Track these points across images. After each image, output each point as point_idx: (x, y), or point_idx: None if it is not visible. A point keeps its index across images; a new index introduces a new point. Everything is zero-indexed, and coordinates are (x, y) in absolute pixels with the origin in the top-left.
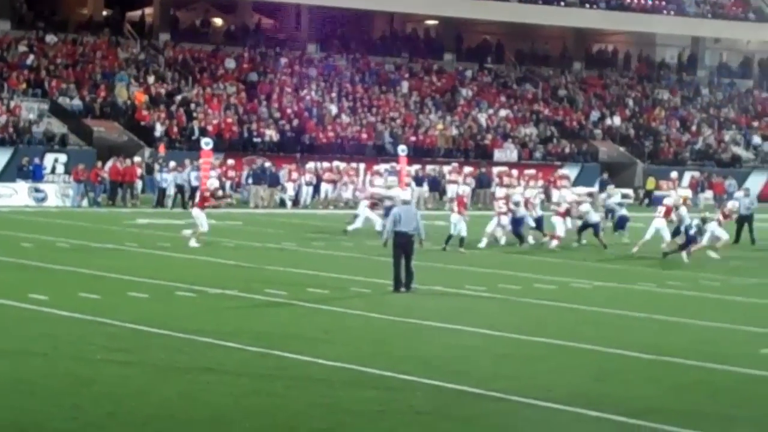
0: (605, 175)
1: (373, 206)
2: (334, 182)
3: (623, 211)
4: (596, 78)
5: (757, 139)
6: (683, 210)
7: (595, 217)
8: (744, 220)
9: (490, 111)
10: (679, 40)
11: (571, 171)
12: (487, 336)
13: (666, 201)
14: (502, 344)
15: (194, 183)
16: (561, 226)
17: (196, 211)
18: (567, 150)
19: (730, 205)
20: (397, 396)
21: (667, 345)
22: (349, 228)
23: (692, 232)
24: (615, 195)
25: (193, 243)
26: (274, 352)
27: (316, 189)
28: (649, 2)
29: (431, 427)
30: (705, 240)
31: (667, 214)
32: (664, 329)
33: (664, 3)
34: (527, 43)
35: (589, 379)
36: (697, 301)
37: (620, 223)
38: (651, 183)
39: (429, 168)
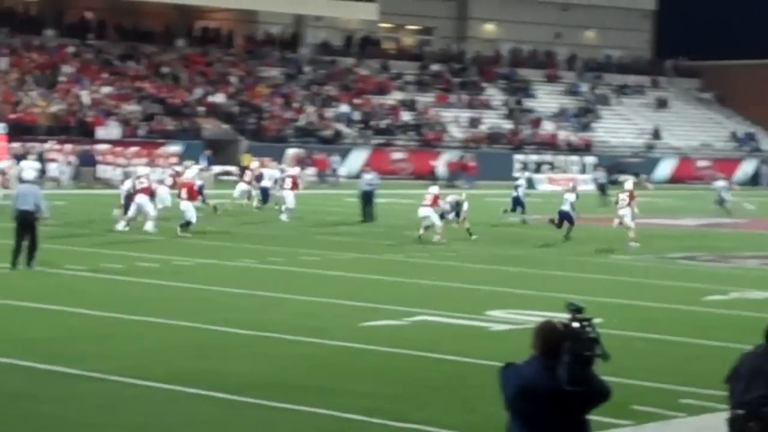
0: (209, 152)
1: None
2: None
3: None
4: (200, 55)
5: (357, 116)
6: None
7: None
8: (368, 197)
9: (93, 88)
10: (282, 18)
11: (175, 148)
12: (86, 315)
13: (431, 189)
14: (102, 324)
15: None
16: (149, 205)
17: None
18: (171, 127)
19: (628, 185)
20: None
21: (268, 320)
22: None
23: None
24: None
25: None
26: None
27: None
28: None
29: (27, 409)
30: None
31: (434, 202)
32: (265, 305)
33: None
34: (130, 20)
35: (190, 357)
36: (298, 276)
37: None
38: (246, 159)
39: (30, 146)
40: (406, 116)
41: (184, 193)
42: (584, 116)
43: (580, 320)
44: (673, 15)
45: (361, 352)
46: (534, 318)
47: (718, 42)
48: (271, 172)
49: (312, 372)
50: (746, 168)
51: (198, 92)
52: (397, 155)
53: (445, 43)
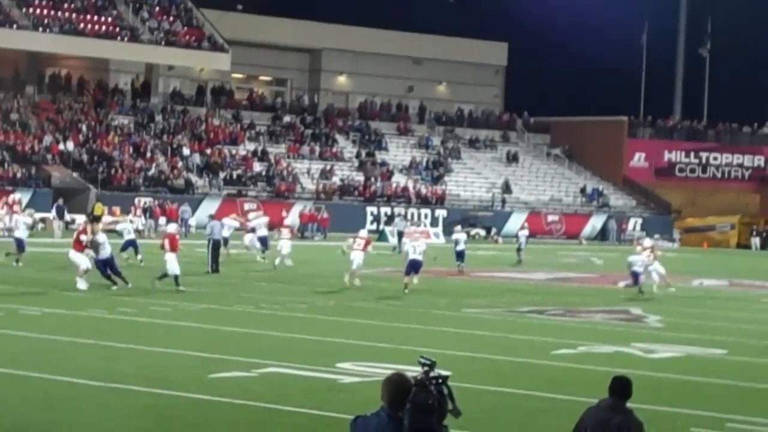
0: (61, 201)
1: None
2: None
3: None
4: (49, 102)
5: (209, 166)
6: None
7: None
8: (217, 245)
9: None
10: (134, 67)
11: (23, 196)
12: None
13: (362, 233)
14: None
15: None
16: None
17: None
18: (18, 175)
19: (648, 242)
20: None
21: (116, 371)
22: None
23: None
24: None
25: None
26: None
27: None
28: (103, 28)
29: None
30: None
31: (365, 246)
32: (113, 355)
33: (118, 29)
34: None
35: (37, 408)
36: (147, 326)
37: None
38: (99, 209)
39: None
40: (257, 167)
41: (167, 244)
42: (435, 169)
43: (434, 378)
44: (523, 71)
45: (210, 403)
46: (384, 370)
47: (567, 98)
48: (231, 223)
49: (160, 424)
50: (595, 223)
51: (47, 140)
52: (249, 206)
53: (298, 94)
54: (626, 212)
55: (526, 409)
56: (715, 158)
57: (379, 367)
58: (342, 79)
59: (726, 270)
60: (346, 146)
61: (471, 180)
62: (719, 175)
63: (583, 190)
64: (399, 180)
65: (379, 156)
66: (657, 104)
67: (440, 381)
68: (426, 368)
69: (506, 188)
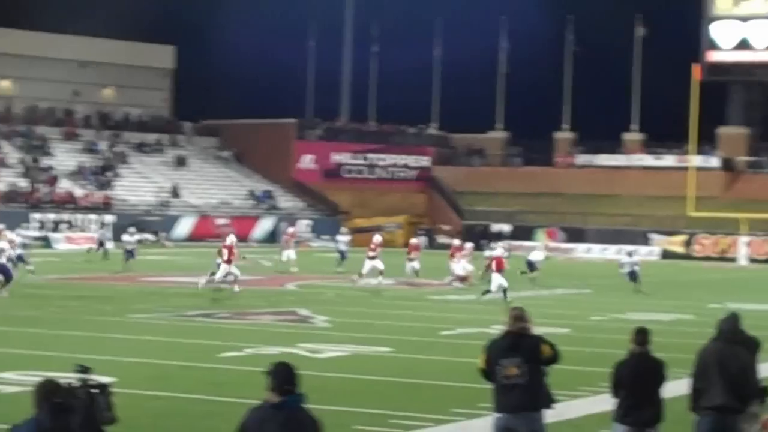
0: None
1: None
2: None
3: None
4: None
5: None
6: None
7: None
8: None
9: None
10: None
11: None
12: None
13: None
14: None
15: None
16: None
17: None
18: None
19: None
20: None
21: None
22: None
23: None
24: None
25: None
26: None
27: None
28: None
29: None
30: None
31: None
32: None
33: None
34: None
35: None
36: None
37: None
38: None
39: None
40: None
41: (494, 265)
42: (103, 174)
43: (90, 386)
44: (192, 74)
45: None
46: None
47: (237, 101)
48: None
49: None
50: (264, 225)
51: None
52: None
53: None
54: (296, 214)
55: (193, 413)
56: (382, 159)
57: (43, 376)
58: (5, 84)
59: (393, 269)
60: (9, 152)
61: (140, 184)
62: (386, 175)
63: (252, 193)
64: (65, 185)
65: (45, 161)
66: (326, 106)
67: (90, 387)
68: (81, 374)
69: (175, 192)
